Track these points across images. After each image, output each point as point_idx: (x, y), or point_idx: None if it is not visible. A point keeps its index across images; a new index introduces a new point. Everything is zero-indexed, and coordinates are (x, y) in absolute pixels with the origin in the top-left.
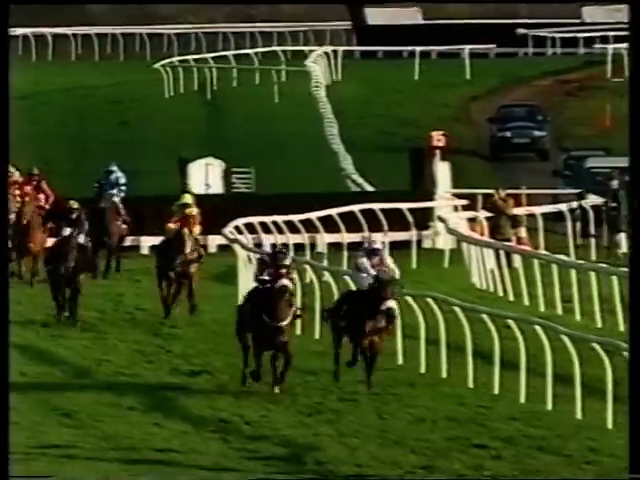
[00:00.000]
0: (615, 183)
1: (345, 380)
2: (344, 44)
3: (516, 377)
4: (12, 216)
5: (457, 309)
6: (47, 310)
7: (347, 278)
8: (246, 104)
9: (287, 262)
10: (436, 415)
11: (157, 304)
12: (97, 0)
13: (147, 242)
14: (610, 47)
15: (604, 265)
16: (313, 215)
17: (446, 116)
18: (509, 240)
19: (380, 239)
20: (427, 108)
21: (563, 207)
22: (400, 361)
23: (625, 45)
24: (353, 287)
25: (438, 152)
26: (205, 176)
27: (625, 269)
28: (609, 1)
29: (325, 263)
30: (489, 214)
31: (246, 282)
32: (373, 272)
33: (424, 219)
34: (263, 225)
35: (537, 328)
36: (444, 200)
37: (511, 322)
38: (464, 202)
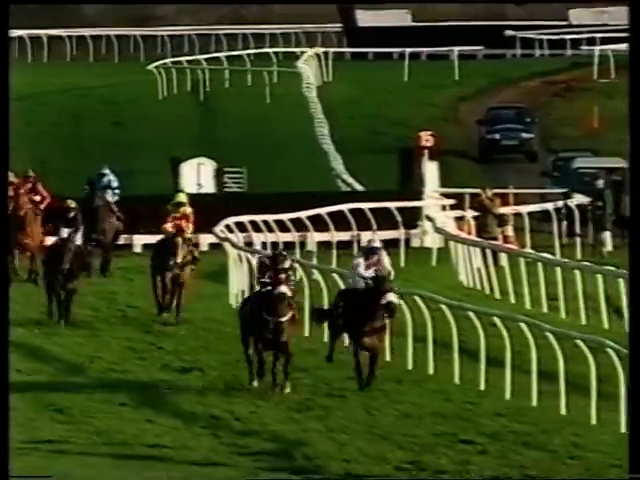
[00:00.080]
0: (601, 183)
1: (334, 377)
2: (335, 46)
3: (502, 374)
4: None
5: (444, 307)
6: (41, 308)
7: (335, 276)
8: (238, 105)
9: (287, 265)
10: (423, 411)
11: (149, 302)
12: (95, 0)
13: (140, 240)
14: (596, 49)
15: (589, 264)
16: (303, 214)
17: (435, 116)
18: (496, 239)
19: (369, 238)
20: (416, 108)
21: (549, 206)
22: (388, 358)
23: (611, 47)
24: (342, 285)
25: (426, 152)
26: (197, 176)
27: (609, 267)
28: (609, 2)
29: (315, 261)
30: (476, 213)
31: (237, 280)
32: (366, 274)
33: (413, 218)
34: (254, 224)
35: (522, 325)
36: (432, 199)
37: (497, 320)
38: (452, 201)
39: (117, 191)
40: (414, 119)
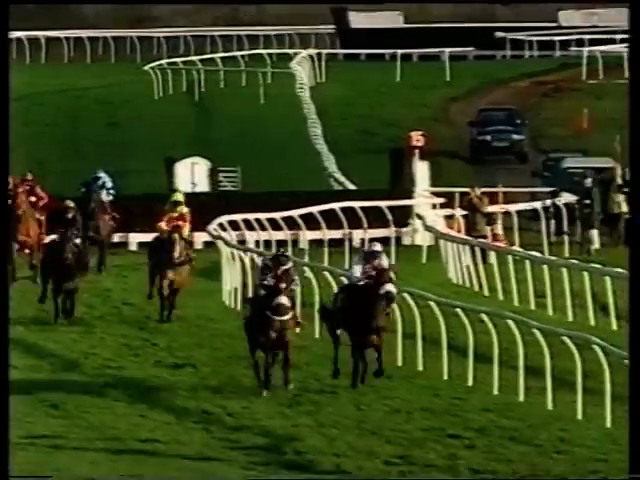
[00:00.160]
0: (589, 181)
1: (324, 373)
2: (328, 47)
3: (489, 369)
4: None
5: (432, 304)
6: (37, 305)
7: (326, 274)
8: (233, 105)
9: (288, 266)
10: (412, 406)
11: (144, 299)
12: (93, 0)
13: (136, 239)
14: (585, 50)
15: (576, 261)
16: (295, 213)
17: (426, 117)
18: (485, 237)
19: (361, 236)
20: (408, 109)
21: (537, 205)
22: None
23: (600, 48)
24: (333, 284)
25: (417, 152)
26: (191, 175)
27: (596, 265)
28: (609, 2)
29: (306, 259)
30: (465, 212)
31: (230, 278)
32: (360, 275)
33: (404, 217)
34: (246, 222)
35: (509, 322)
36: (423, 198)
37: (484, 316)
38: (442, 200)
39: (112, 191)
40: (406, 119)
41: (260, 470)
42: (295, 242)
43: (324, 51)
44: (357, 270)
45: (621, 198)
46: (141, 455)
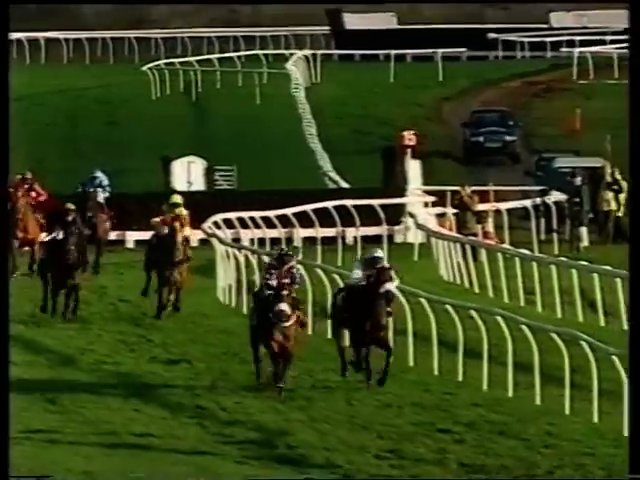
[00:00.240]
0: (578, 180)
1: (317, 368)
2: (323, 48)
3: (479, 365)
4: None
5: (423, 300)
6: (34, 301)
7: (319, 271)
8: (229, 105)
9: (292, 264)
10: (402, 401)
11: (140, 296)
12: (92, 0)
13: (132, 237)
14: (576, 51)
15: (564, 259)
16: (289, 211)
17: (419, 116)
18: (475, 235)
19: (354, 234)
20: (402, 108)
21: (527, 203)
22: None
23: (590, 49)
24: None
25: (409, 150)
26: (187, 174)
27: (584, 262)
28: (608, 2)
29: (300, 257)
30: (456, 210)
31: (224, 275)
32: (360, 278)
33: (396, 215)
34: (241, 220)
35: (498, 319)
36: (415, 196)
37: (474, 313)
38: (433, 198)
39: (108, 189)
40: (399, 119)
41: (253, 464)
42: (289, 240)
43: (319, 52)
44: (358, 273)
45: (610, 196)
46: (136, 449)
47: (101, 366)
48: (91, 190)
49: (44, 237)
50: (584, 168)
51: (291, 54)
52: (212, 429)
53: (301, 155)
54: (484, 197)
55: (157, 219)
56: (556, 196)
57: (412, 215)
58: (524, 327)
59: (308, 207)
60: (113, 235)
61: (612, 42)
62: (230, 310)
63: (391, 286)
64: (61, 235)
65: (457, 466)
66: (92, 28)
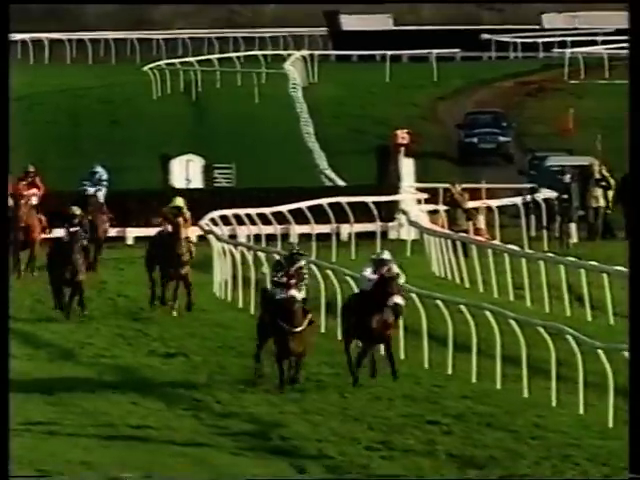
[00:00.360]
0: (567, 177)
1: (310, 362)
2: (321, 48)
3: (468, 358)
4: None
5: (414, 296)
6: (35, 296)
7: (313, 267)
8: (228, 104)
9: (301, 264)
10: (393, 394)
11: (138, 291)
12: (93, 0)
13: (132, 233)
14: (567, 51)
15: (552, 255)
16: (284, 208)
17: (415, 115)
18: (466, 231)
19: (348, 230)
20: (397, 108)
21: (518, 200)
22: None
23: (581, 49)
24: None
25: (402, 149)
26: (186, 171)
27: (571, 258)
28: (609, 2)
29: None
30: (447, 207)
31: (220, 270)
32: (373, 277)
33: (390, 212)
34: (237, 217)
35: (487, 313)
36: (408, 194)
37: (463, 308)
38: (426, 196)
39: (105, 183)
40: (395, 118)
41: (247, 455)
42: (285, 236)
43: (316, 52)
44: (368, 274)
45: (599, 193)
46: (133, 441)
47: (100, 360)
48: (92, 190)
49: (49, 234)
50: (575, 166)
51: (289, 55)
52: (208, 421)
53: (298, 154)
54: (476, 195)
55: (160, 218)
56: (545, 193)
57: (404, 212)
58: (512, 321)
59: (303, 204)
60: (113, 232)
61: (603, 43)
62: (226, 305)
63: (399, 299)
64: (69, 236)
65: (446, 457)
66: (95, 29)
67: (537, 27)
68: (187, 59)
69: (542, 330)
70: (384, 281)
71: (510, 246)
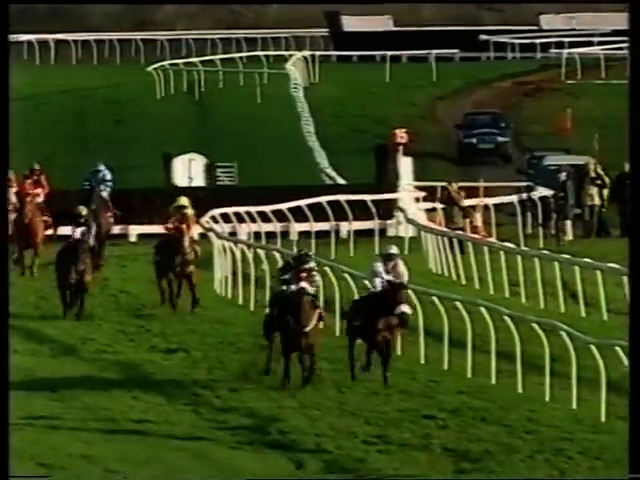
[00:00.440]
0: (563, 175)
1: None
2: (322, 49)
3: (463, 354)
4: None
5: (410, 292)
6: (39, 293)
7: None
8: (231, 104)
9: (310, 265)
10: (390, 389)
11: (140, 287)
12: (95, 0)
13: (135, 230)
14: (564, 52)
15: (547, 252)
16: (284, 206)
17: (414, 115)
18: (462, 229)
19: (347, 228)
20: (397, 107)
21: (514, 199)
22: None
23: (578, 50)
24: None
25: (401, 148)
26: (188, 170)
27: (566, 256)
28: (609, 2)
29: (295, 250)
30: (444, 205)
31: (220, 268)
32: (386, 277)
33: (389, 209)
34: (237, 215)
35: (482, 310)
36: (406, 192)
37: (459, 304)
38: (423, 194)
39: (109, 184)
40: (395, 117)
41: (245, 449)
42: (285, 234)
43: (317, 53)
44: (382, 271)
45: (594, 191)
46: (133, 435)
47: (101, 355)
48: (95, 187)
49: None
50: (572, 165)
51: (291, 55)
52: (207, 416)
53: (299, 152)
54: (475, 194)
55: (170, 226)
56: (541, 191)
57: (402, 210)
58: (506, 318)
59: (302, 202)
60: (117, 229)
61: (599, 43)
62: (226, 301)
63: (406, 308)
64: (76, 236)
65: (441, 451)
66: (100, 30)
67: (535, 28)
68: (190, 60)
69: (536, 326)
70: (393, 288)
71: (506, 243)
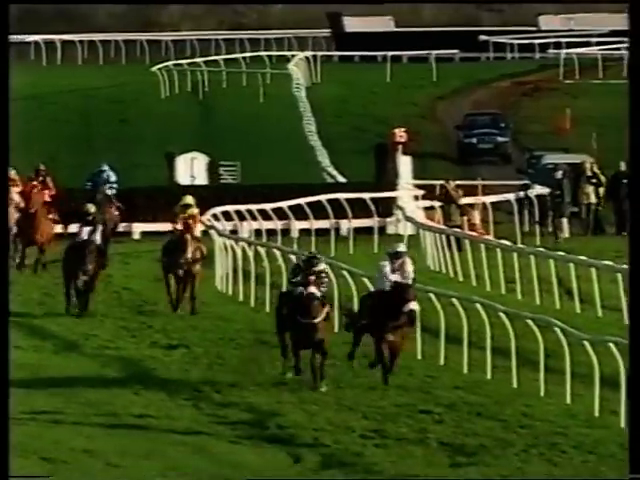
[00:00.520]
0: (559, 173)
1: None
2: (324, 49)
3: (459, 350)
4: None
5: None
6: (44, 290)
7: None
8: (234, 103)
9: (320, 268)
10: (387, 384)
11: (143, 284)
12: (96, 0)
13: (139, 228)
14: (563, 52)
15: (542, 249)
16: (284, 204)
17: (414, 114)
18: (459, 227)
19: (347, 226)
20: (398, 107)
21: (511, 197)
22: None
23: (576, 50)
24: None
25: (400, 147)
26: (190, 169)
27: (561, 253)
28: (609, 2)
29: (295, 247)
30: (442, 203)
31: (221, 265)
32: (392, 277)
33: (388, 208)
34: (239, 213)
35: (478, 306)
36: (405, 190)
37: (455, 301)
38: (422, 192)
39: (115, 185)
40: (395, 117)
41: (245, 443)
42: (286, 231)
43: (320, 53)
44: (388, 270)
45: (590, 189)
46: (135, 429)
47: (104, 351)
48: (99, 185)
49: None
50: (570, 164)
51: (293, 55)
52: (207, 410)
53: (301, 151)
54: (473, 192)
55: (177, 225)
56: (538, 190)
57: (401, 208)
58: (502, 314)
59: (303, 200)
60: (120, 227)
61: (597, 44)
62: (227, 298)
63: (414, 306)
64: (83, 235)
65: (437, 445)
66: (105, 31)
67: (534, 28)
68: (194, 60)
69: (531, 322)
70: (401, 287)
71: (502, 241)
